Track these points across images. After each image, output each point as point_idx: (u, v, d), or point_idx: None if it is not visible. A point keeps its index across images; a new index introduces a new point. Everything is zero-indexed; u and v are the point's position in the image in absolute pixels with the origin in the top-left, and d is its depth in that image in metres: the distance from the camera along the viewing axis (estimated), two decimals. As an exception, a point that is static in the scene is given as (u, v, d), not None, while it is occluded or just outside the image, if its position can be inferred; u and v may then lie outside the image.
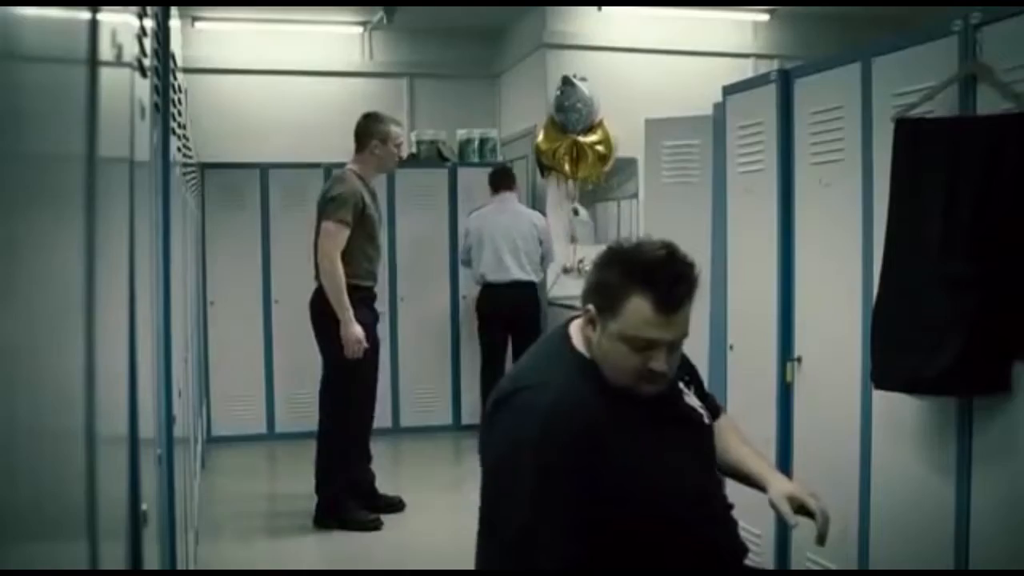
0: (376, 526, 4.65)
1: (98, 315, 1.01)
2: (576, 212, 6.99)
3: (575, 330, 2.12)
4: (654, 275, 1.93)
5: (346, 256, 4.52)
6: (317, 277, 4.63)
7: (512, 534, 1.89)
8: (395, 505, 4.89)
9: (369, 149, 4.73)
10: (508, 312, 6.06)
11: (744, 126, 3.65)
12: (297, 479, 4.98)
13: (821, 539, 2.09)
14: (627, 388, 2.01)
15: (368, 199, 4.66)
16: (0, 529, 0.61)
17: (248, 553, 4.38)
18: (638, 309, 1.93)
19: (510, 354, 6.09)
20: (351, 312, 4.47)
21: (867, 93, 3.03)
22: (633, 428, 2.00)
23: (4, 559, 0.62)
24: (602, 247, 2.12)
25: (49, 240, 0.82)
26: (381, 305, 6.62)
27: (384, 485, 4.95)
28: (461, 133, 7.36)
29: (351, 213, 4.51)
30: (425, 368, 6.89)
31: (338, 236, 4.49)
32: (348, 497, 4.68)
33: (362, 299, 4.60)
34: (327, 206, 4.54)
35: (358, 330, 4.48)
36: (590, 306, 2.02)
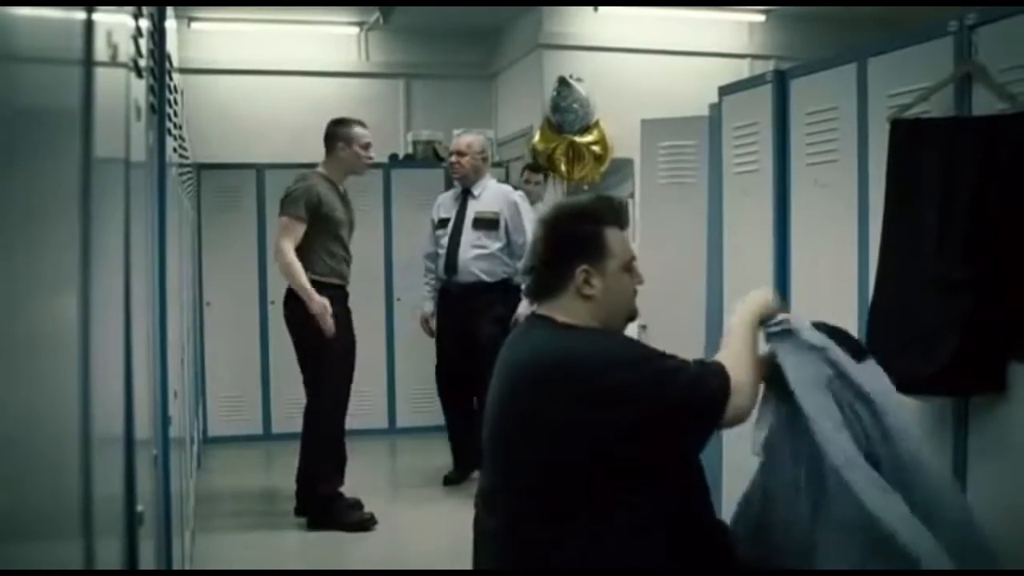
0: (370, 525, 4.65)
1: (94, 316, 1.01)
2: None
3: (549, 312, 2.18)
4: (606, 207, 2.26)
5: (306, 253, 4.59)
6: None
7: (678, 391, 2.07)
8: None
9: (335, 152, 4.81)
10: None
11: (740, 127, 3.65)
12: (293, 480, 4.98)
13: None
14: (625, 321, 2.28)
15: (332, 200, 4.70)
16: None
17: (244, 554, 4.38)
18: (616, 236, 2.21)
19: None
20: (311, 290, 4.53)
21: (863, 94, 3.03)
22: None
23: (2, 557, 0.62)
24: None
25: (44, 241, 0.82)
26: (377, 306, 6.66)
27: (380, 485, 4.96)
28: (457, 133, 7.36)
29: (303, 208, 4.59)
30: (421, 368, 6.87)
31: (289, 229, 4.58)
32: (340, 497, 4.69)
33: (328, 297, 4.62)
34: (282, 202, 4.67)
35: (322, 301, 4.52)
36: (584, 266, 2.16)
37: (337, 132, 4.83)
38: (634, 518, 2.02)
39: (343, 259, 4.76)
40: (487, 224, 5.20)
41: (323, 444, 4.67)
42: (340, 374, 4.70)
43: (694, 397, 2.09)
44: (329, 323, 4.52)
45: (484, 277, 5.17)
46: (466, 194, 5.32)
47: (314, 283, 4.57)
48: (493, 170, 7.02)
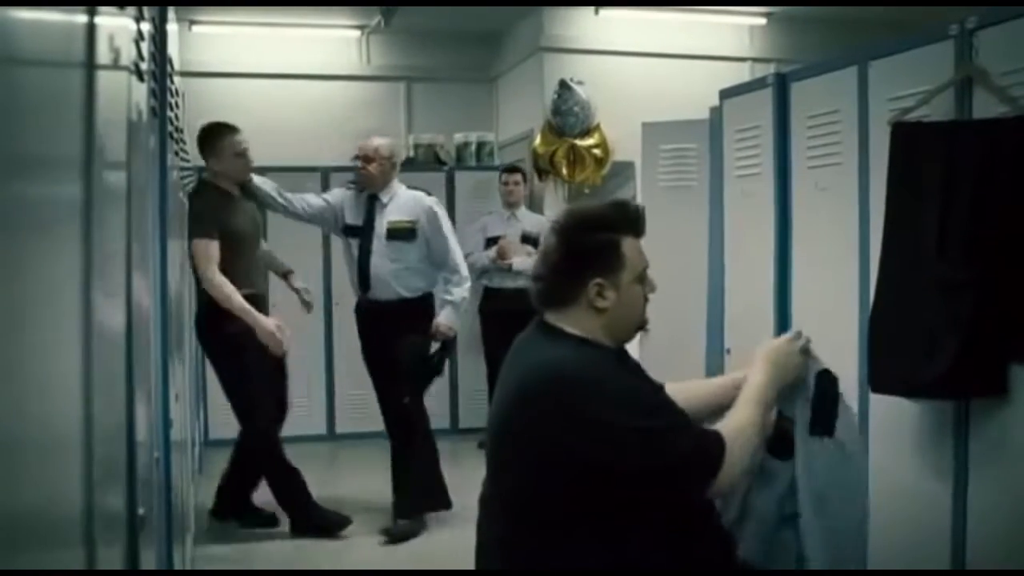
0: (344, 524, 4.61)
1: (95, 319, 1.01)
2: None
3: (557, 321, 2.14)
4: (624, 216, 2.18)
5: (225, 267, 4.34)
6: (197, 295, 4.46)
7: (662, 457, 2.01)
8: (267, 521, 4.77)
9: (209, 167, 4.55)
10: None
11: (741, 130, 3.65)
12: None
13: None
14: (635, 331, 2.23)
15: (230, 207, 4.47)
16: (-3, 532, 0.61)
17: (246, 556, 4.38)
18: (632, 246, 2.15)
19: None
20: (254, 312, 4.29)
21: (863, 97, 3.03)
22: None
23: (2, 563, 0.62)
24: None
25: (46, 244, 0.82)
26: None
27: (380, 489, 4.95)
28: (458, 137, 7.37)
29: (214, 227, 4.32)
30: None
31: (210, 250, 4.29)
32: (311, 500, 4.63)
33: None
34: (190, 225, 4.25)
35: (268, 323, 4.32)
36: (598, 279, 2.10)
37: (205, 145, 4.53)
38: (633, 527, 2.02)
39: (252, 264, 4.61)
40: (404, 235, 4.64)
41: (271, 454, 4.59)
42: (265, 384, 4.50)
43: (685, 465, 2.03)
44: (281, 343, 4.32)
45: (404, 292, 4.65)
46: (373, 200, 4.73)
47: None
48: (491, 173, 7.01)
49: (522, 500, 2.07)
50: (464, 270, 4.75)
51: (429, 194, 4.84)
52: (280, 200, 4.85)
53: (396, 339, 4.64)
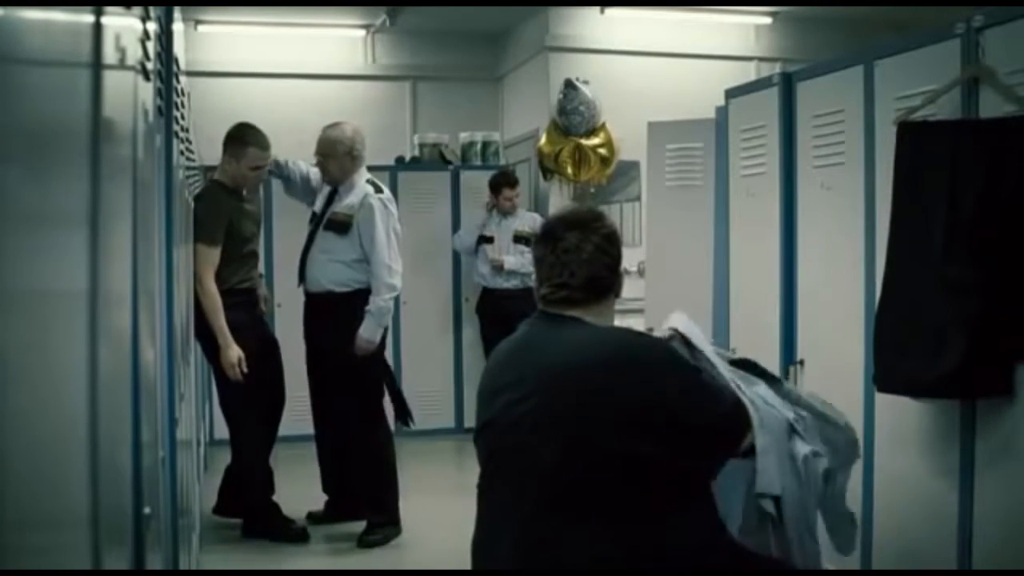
0: (305, 538, 4.56)
1: (101, 318, 1.02)
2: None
3: (580, 314, 2.21)
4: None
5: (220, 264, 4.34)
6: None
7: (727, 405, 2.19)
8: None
9: (222, 164, 4.52)
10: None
11: (746, 129, 3.65)
12: (298, 481, 4.98)
13: None
14: None
15: (238, 208, 4.47)
16: (3, 530, 0.61)
17: (250, 555, 4.38)
18: None
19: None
20: (228, 335, 4.27)
21: (869, 96, 3.03)
22: None
23: (7, 560, 0.62)
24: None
25: (52, 243, 0.82)
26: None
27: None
28: (463, 136, 7.36)
29: (220, 233, 4.32)
30: (427, 370, 6.89)
31: (211, 257, 4.28)
32: (273, 506, 4.62)
33: (237, 303, 4.41)
34: (196, 227, 4.20)
35: (232, 354, 4.27)
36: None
37: (227, 145, 4.53)
38: (660, 514, 2.03)
39: (252, 261, 4.64)
40: (337, 226, 4.48)
41: (253, 451, 4.57)
42: (260, 382, 4.46)
43: (735, 416, 2.17)
44: (235, 375, 4.29)
45: (332, 287, 4.50)
46: (334, 191, 4.60)
47: (227, 291, 4.36)
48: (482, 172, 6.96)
49: (570, 484, 2.04)
50: (387, 278, 4.43)
51: (379, 190, 4.59)
52: (285, 169, 4.85)
53: (322, 338, 4.56)
